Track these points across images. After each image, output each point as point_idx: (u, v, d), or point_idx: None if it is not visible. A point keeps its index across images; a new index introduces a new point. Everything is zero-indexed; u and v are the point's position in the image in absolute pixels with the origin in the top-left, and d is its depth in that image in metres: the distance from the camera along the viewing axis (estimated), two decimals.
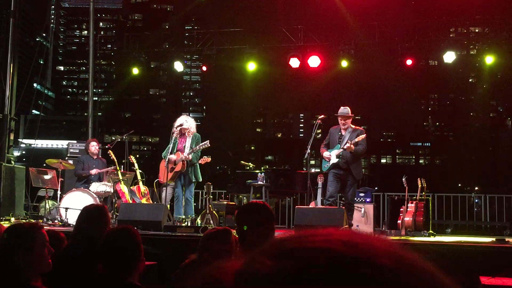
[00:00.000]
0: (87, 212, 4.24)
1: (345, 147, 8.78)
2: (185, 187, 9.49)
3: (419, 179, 9.46)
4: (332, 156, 8.96)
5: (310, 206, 9.31)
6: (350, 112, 9.12)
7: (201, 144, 9.31)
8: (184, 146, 9.44)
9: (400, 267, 0.54)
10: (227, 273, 0.59)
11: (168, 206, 9.52)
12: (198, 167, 9.60)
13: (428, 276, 0.55)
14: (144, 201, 10.22)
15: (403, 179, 9.67)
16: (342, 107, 9.19)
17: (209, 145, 9.28)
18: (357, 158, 9.07)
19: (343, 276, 0.52)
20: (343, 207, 8.60)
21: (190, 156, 9.28)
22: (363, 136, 8.83)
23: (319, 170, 9.73)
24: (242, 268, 0.58)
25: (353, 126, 9.15)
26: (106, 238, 3.27)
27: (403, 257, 0.55)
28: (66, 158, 12.16)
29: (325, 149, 9.08)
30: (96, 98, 16.27)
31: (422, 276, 0.55)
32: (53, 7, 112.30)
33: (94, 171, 10.36)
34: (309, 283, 0.52)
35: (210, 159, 9.58)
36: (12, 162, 12.32)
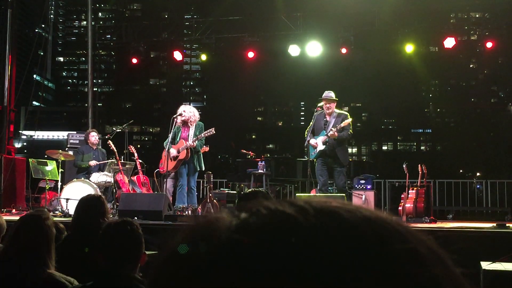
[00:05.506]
0: (84, 203, 4.23)
1: (329, 133, 8.83)
2: (189, 176, 9.45)
3: (420, 165, 9.45)
4: (318, 143, 9.00)
5: (311, 194, 9.31)
6: (334, 97, 9.16)
7: (206, 132, 9.28)
8: (188, 134, 9.38)
9: (392, 225, 0.51)
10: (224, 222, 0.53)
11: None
12: (202, 155, 9.57)
13: (423, 238, 0.53)
14: (144, 191, 10.23)
15: (404, 166, 9.66)
16: (326, 91, 9.24)
17: (214, 132, 9.24)
18: (342, 143, 9.14)
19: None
20: (344, 194, 8.61)
21: (195, 144, 9.26)
22: (348, 121, 8.88)
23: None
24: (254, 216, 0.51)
25: (338, 111, 9.20)
26: (106, 231, 3.14)
27: (387, 218, 0.53)
28: (66, 149, 12.14)
29: (311, 137, 9.12)
30: (96, 89, 16.25)
31: (418, 237, 0.52)
32: None
33: (92, 163, 10.35)
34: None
35: (208, 148, 9.57)
36: (13, 154, 12.33)
